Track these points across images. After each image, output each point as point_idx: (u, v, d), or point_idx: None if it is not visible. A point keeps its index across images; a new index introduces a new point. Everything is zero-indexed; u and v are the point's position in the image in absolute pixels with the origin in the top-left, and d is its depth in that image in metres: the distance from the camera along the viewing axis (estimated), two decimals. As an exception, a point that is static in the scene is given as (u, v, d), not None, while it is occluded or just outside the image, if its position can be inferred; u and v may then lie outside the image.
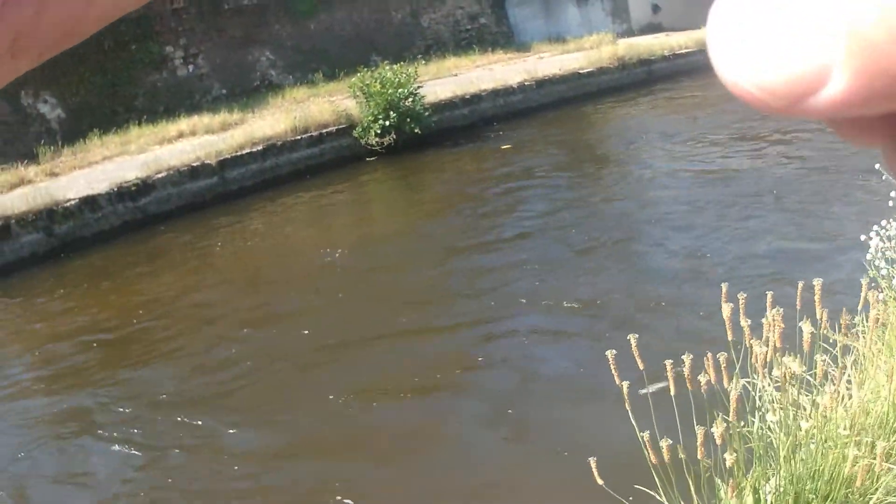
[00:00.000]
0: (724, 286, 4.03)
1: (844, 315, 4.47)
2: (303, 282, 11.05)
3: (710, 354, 3.88)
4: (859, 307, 4.64)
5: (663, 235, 11.30)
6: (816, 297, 4.08)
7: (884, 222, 5.58)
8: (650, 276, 9.92)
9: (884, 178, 7.05)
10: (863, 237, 5.65)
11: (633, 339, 3.92)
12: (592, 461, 3.87)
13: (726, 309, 3.85)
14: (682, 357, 3.81)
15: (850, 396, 4.45)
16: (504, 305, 9.55)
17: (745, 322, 4.00)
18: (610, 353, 3.81)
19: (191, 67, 21.58)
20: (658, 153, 16.12)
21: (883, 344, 5.00)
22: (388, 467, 6.90)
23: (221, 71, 22.04)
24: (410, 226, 13.34)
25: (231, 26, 22.57)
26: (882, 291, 5.33)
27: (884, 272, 5.55)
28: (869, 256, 5.55)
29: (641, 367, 3.85)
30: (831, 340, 4.63)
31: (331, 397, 7.83)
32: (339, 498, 6.44)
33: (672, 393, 3.80)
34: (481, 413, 7.52)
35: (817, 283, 4.03)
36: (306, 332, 9.39)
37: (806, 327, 3.77)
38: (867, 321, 4.88)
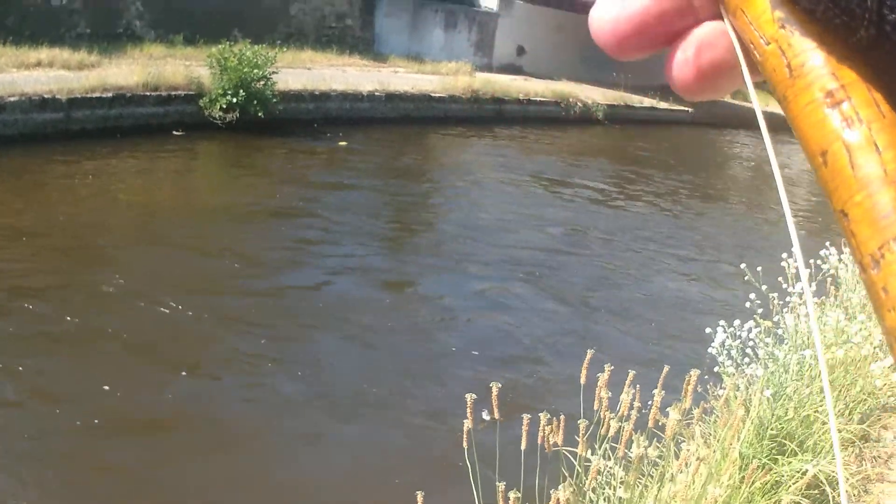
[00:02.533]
0: (589, 353, 4.37)
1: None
2: (102, 239, 11.72)
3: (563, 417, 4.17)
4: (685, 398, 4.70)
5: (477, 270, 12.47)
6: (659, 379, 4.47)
7: (737, 322, 5.98)
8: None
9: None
10: (707, 330, 6.11)
11: (494, 386, 4.07)
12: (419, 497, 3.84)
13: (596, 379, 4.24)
14: (539, 414, 4.07)
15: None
16: (295, 309, 10.21)
17: (605, 393, 4.32)
18: (469, 397, 3.97)
19: (64, 0, 22.50)
20: (485, 190, 17.94)
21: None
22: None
23: (90, 10, 22.91)
24: (224, 205, 14.31)
25: (112, -33, 23.54)
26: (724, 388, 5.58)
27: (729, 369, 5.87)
28: (713, 350, 5.97)
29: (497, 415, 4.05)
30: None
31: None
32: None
33: (523, 447, 3.99)
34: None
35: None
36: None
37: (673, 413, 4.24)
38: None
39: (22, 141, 15.25)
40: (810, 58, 0.55)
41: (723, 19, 0.60)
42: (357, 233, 13.45)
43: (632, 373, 4.41)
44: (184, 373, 8.30)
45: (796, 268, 6.58)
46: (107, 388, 7.78)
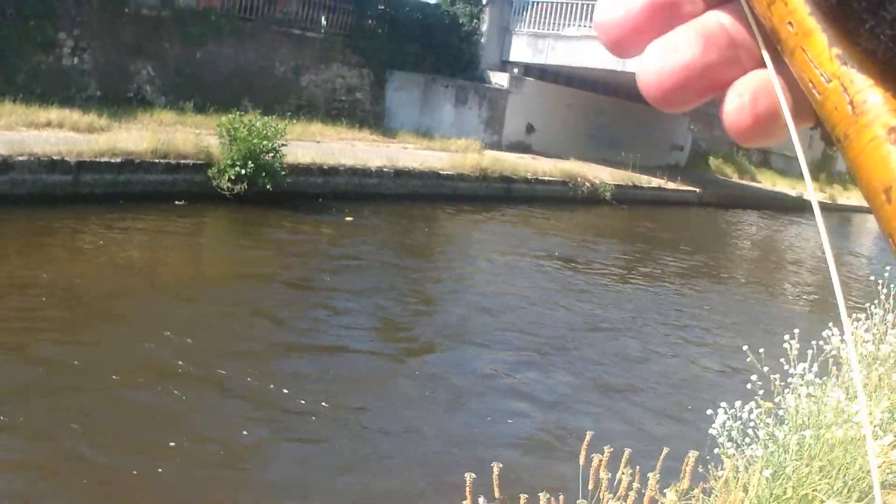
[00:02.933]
0: (589, 435, 4.39)
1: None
2: (100, 308, 11.50)
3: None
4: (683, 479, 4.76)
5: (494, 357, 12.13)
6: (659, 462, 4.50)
7: (738, 403, 5.90)
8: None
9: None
10: (709, 411, 6.05)
11: (496, 466, 4.05)
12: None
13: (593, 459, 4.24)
14: (539, 494, 4.01)
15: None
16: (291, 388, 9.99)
17: (604, 475, 4.31)
18: (469, 476, 3.94)
19: (76, 60, 22.74)
20: (494, 269, 17.90)
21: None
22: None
23: (103, 72, 23.24)
24: (229, 276, 14.27)
25: (125, 31, 23.88)
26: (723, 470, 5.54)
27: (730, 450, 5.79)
28: (714, 431, 5.90)
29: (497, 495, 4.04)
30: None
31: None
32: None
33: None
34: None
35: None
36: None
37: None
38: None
39: (30, 201, 15.37)
40: (871, 95, 0.56)
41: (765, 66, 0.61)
42: (363, 311, 13.33)
43: (627, 451, 4.48)
44: (186, 443, 8.16)
45: (797, 349, 6.65)
46: (103, 459, 7.71)
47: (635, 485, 4.41)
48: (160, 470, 7.58)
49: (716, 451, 5.81)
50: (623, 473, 4.37)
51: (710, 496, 5.54)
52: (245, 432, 8.64)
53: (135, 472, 7.52)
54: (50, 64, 21.80)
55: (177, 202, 17.37)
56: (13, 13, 20.98)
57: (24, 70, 21.12)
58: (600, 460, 4.37)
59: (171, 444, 8.03)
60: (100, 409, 8.63)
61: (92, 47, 23.07)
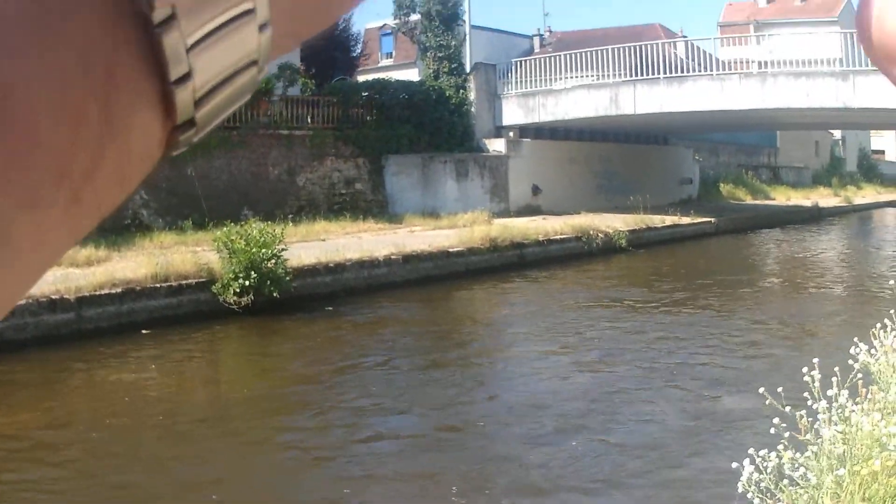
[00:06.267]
0: None
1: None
2: (126, 441, 11.23)
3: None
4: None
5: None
6: None
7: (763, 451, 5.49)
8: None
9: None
10: (734, 464, 5.57)
11: None
12: None
13: None
14: None
15: None
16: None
17: None
18: None
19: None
20: (523, 344, 17.43)
21: None
22: None
23: (93, 205, 23.26)
24: (249, 395, 13.88)
25: (111, 160, 23.92)
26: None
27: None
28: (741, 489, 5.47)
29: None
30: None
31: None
32: None
33: None
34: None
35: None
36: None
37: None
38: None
39: (36, 344, 15.18)
40: None
41: None
42: (395, 409, 12.92)
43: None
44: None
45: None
46: None
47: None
48: None
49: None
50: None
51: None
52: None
53: None
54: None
55: (146, 330, 16.76)
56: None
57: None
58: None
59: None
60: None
61: (83, 182, 23.08)
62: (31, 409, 12.64)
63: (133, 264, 18.08)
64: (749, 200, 49.36)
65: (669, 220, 34.33)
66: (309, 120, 29.85)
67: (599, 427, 11.72)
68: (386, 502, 9.45)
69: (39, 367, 14.44)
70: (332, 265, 21.00)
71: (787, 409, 6.00)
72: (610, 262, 28.24)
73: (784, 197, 52.64)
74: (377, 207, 30.58)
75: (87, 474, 10.22)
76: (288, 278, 18.52)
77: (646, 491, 9.53)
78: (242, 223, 19.44)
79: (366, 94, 32.56)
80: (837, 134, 70.54)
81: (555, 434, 11.51)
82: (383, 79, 33.99)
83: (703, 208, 38.45)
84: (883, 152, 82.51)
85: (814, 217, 45.49)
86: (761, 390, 6.32)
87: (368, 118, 31.85)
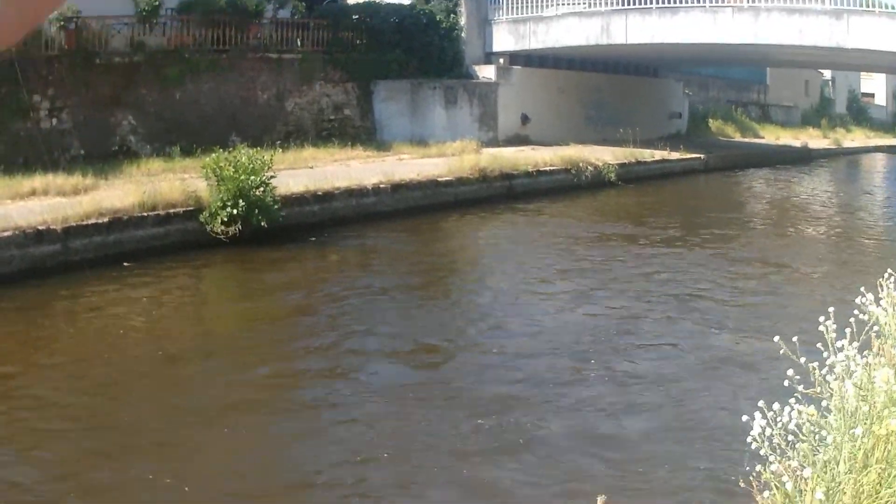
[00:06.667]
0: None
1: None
2: (112, 375, 11.10)
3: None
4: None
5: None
6: None
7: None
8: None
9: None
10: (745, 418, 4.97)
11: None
12: None
13: None
14: None
15: None
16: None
17: None
18: None
19: (54, 121, 22.35)
20: (512, 274, 17.36)
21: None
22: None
23: (83, 129, 22.82)
24: (235, 327, 13.78)
25: (100, 83, 23.44)
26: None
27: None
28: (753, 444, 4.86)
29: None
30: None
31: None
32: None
33: None
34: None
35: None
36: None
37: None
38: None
39: (22, 277, 14.81)
40: None
41: None
42: (393, 337, 12.86)
43: None
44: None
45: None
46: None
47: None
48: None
49: (758, 467, 4.86)
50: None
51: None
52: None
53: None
54: (29, 130, 21.34)
55: (125, 263, 16.32)
56: (-19, 84, 20.52)
57: (2, 141, 20.72)
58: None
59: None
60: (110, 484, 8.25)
61: (69, 105, 22.69)
62: (16, 341, 12.49)
63: (120, 192, 17.66)
64: (738, 138, 49.14)
65: (659, 154, 34.08)
66: (299, 43, 29.32)
67: (592, 353, 11.69)
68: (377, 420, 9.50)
69: (24, 300, 14.16)
70: (320, 193, 20.70)
71: (802, 359, 5.68)
72: (599, 196, 28.11)
73: (773, 136, 52.37)
74: (365, 134, 30.19)
75: (70, 406, 10.08)
76: (276, 207, 18.14)
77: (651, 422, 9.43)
78: (231, 149, 19.08)
79: (356, 17, 32.03)
80: (827, 74, 69.78)
81: (547, 352, 11.62)
82: (374, 2, 33.33)
83: (692, 144, 38.23)
84: (872, 95, 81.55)
85: (803, 158, 45.29)
86: (776, 338, 5.80)
87: (358, 42, 31.32)
